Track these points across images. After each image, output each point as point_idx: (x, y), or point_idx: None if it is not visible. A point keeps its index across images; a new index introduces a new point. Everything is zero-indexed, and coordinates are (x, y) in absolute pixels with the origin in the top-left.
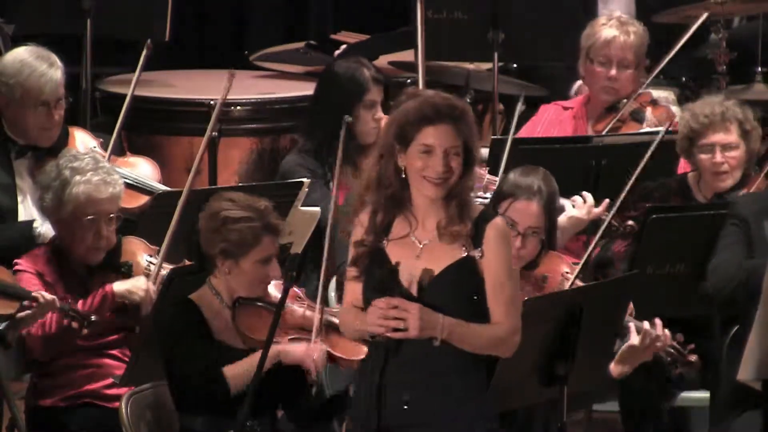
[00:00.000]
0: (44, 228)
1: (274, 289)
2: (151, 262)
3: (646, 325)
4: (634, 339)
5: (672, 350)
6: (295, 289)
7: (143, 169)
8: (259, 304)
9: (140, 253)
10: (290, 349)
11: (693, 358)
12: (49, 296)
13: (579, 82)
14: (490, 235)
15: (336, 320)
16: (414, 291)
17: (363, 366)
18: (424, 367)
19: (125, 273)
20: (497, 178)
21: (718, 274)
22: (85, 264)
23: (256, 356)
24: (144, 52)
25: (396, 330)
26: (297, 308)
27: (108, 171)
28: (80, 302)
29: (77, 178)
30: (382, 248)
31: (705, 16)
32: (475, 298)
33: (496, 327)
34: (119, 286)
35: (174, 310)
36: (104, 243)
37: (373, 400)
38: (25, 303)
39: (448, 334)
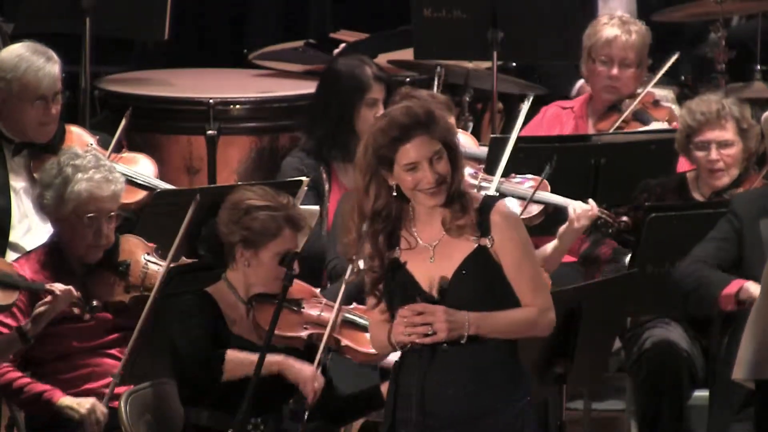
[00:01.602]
0: None
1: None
2: (149, 261)
3: (573, 204)
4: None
5: (603, 216)
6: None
7: (141, 165)
8: (276, 301)
9: (138, 251)
10: (297, 367)
11: (624, 218)
12: (64, 288)
13: (581, 82)
14: (495, 220)
15: (352, 317)
16: (435, 294)
17: (394, 377)
18: (462, 366)
19: (123, 271)
20: (492, 177)
21: (680, 271)
22: (83, 263)
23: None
24: (123, 122)
25: (425, 335)
26: (313, 310)
27: (110, 169)
28: (32, 381)
29: (79, 175)
30: (399, 260)
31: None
32: (496, 286)
33: (526, 310)
34: (64, 400)
35: (190, 297)
36: (104, 241)
37: (417, 406)
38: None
39: (476, 329)
